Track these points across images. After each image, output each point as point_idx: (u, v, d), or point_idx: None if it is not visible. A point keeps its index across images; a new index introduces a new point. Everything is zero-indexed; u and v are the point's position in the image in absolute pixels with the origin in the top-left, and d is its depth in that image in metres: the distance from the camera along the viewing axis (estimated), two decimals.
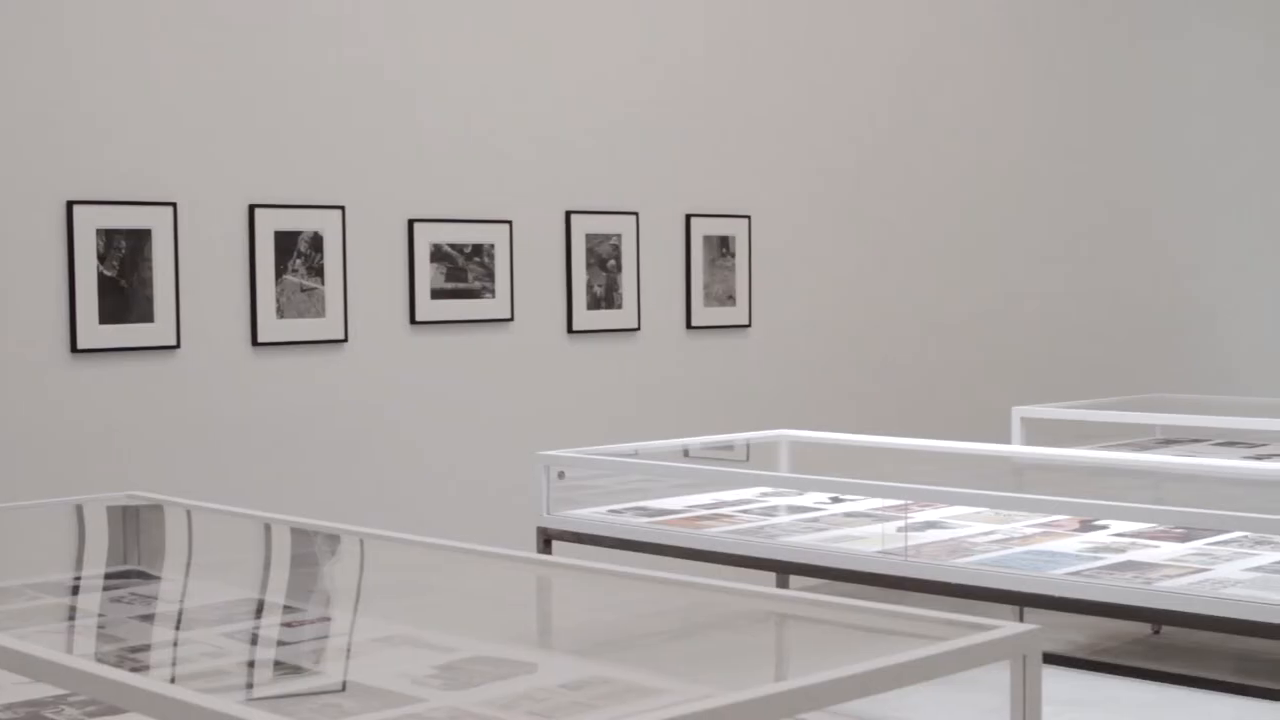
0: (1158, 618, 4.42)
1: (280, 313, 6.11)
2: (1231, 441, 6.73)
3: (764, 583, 4.51)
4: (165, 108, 5.88)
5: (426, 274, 6.49)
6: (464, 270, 6.59)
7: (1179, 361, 9.59)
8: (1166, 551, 4.59)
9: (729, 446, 6.33)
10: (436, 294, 6.51)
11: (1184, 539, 4.72)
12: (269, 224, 6.08)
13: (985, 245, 8.60)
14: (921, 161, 8.29)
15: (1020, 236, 8.78)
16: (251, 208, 6.05)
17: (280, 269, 6.10)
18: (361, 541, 3.93)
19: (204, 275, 5.95)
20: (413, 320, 6.47)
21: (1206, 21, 9.89)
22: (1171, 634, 6.68)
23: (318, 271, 6.19)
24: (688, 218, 7.34)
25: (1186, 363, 9.65)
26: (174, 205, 5.86)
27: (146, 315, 5.81)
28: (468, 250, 6.60)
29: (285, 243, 6.12)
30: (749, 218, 7.55)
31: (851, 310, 8.00)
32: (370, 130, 6.37)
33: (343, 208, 6.26)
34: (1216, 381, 9.64)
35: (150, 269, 5.81)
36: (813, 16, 7.83)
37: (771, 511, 5.42)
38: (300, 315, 6.16)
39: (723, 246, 7.46)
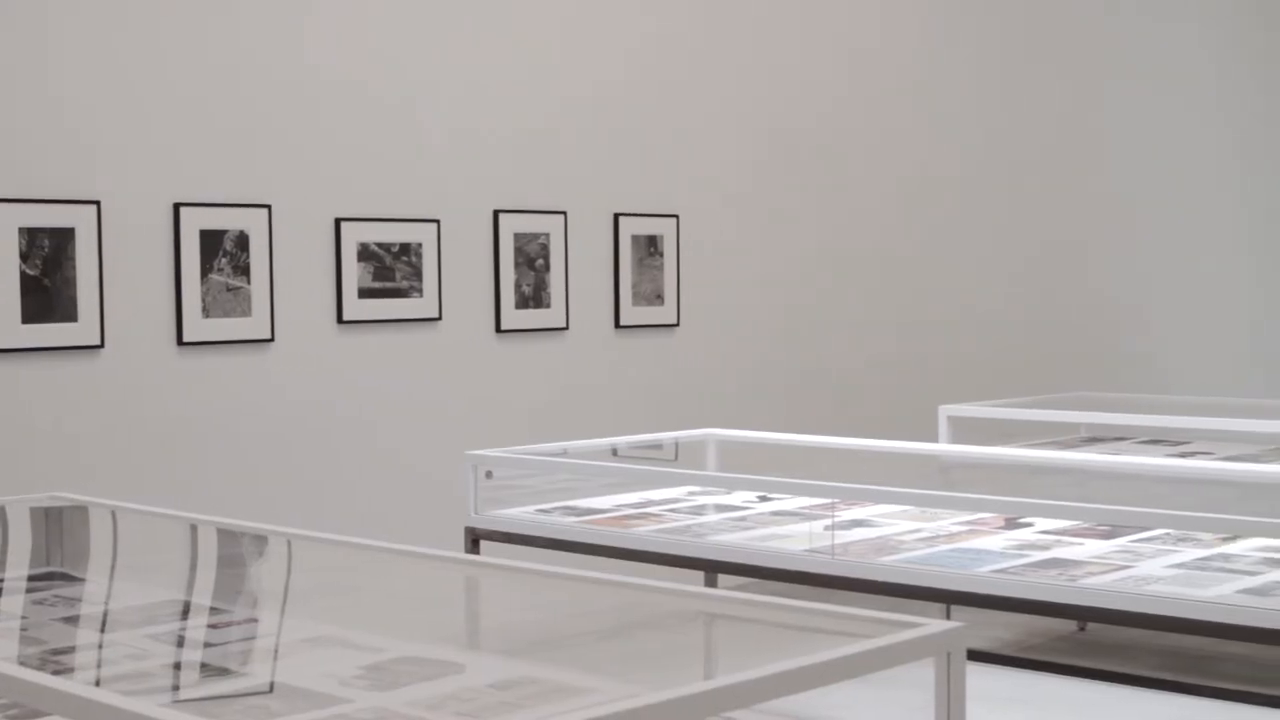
0: (1082, 615, 4.46)
1: (206, 312, 6.07)
2: (1155, 439, 6.79)
3: (692, 582, 4.53)
4: (89, 105, 5.83)
5: (354, 273, 6.46)
6: (391, 269, 6.57)
7: (1103, 360, 9.67)
8: (1091, 549, 4.63)
9: (657, 446, 6.33)
10: (364, 293, 6.49)
11: (1108, 536, 4.76)
12: (194, 223, 6.04)
13: (912, 246, 8.65)
14: (849, 162, 8.32)
15: (946, 237, 8.83)
16: (176, 206, 6.00)
17: (206, 268, 6.06)
18: (289, 542, 3.91)
19: (128, 274, 5.91)
20: (340, 320, 6.44)
21: (1134, 26, 9.97)
22: (1097, 631, 6.73)
23: (244, 271, 6.16)
24: (616, 217, 7.34)
25: (1111, 362, 9.72)
26: (98, 204, 5.81)
27: (70, 315, 5.76)
28: (395, 249, 6.58)
29: (211, 241, 6.08)
30: (677, 217, 7.56)
31: (779, 310, 8.03)
32: (297, 129, 6.34)
33: (269, 206, 6.22)
34: (1140, 380, 9.72)
35: (74, 268, 5.76)
36: (743, 18, 7.85)
37: (699, 511, 5.43)
38: (226, 315, 6.12)
39: (651, 246, 7.46)
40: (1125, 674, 6.03)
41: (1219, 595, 4.04)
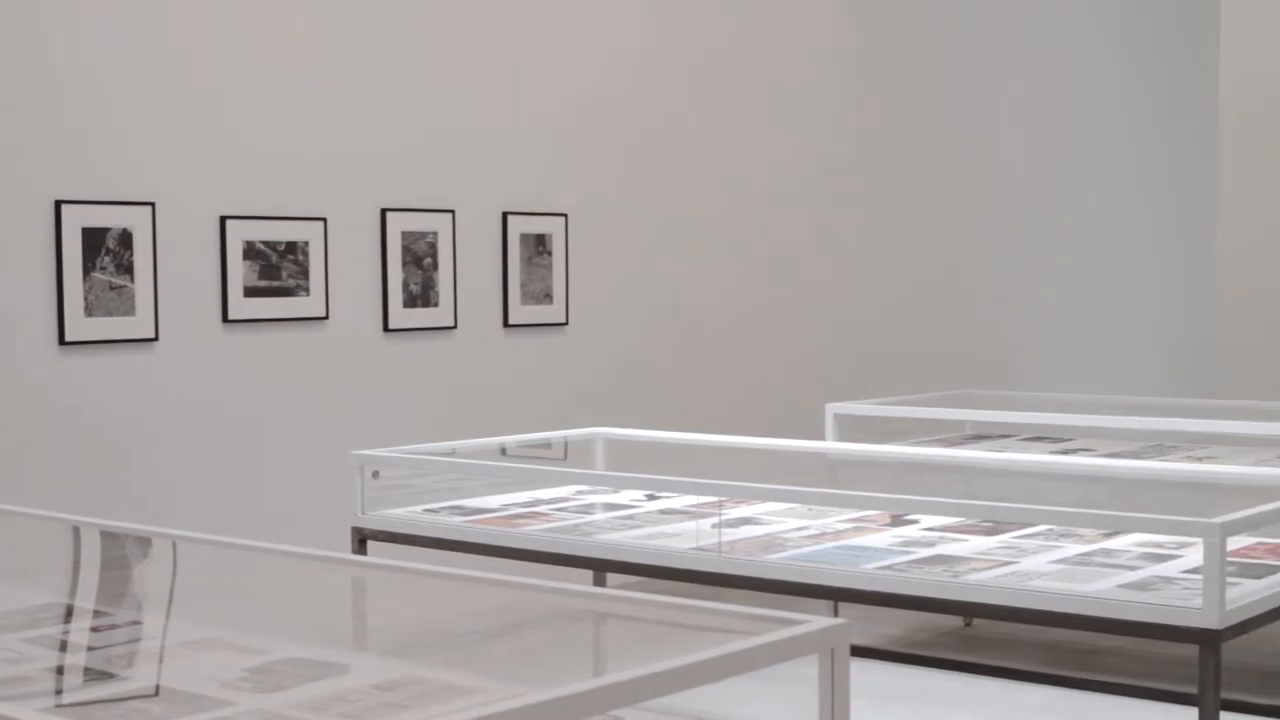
0: (967, 610, 4.50)
1: (88, 311, 6.00)
2: (1039, 437, 6.87)
3: (580, 581, 4.53)
4: None
5: (239, 272, 6.41)
6: (278, 268, 6.52)
7: (988, 359, 9.77)
8: (975, 545, 4.68)
9: (546, 445, 6.33)
10: (249, 292, 6.44)
11: (992, 533, 4.81)
12: (76, 220, 5.96)
13: (800, 245, 8.69)
14: (735, 160, 8.36)
15: (834, 236, 8.88)
16: (58, 204, 5.93)
17: (88, 266, 5.99)
18: (174, 544, 3.88)
19: (9, 273, 5.83)
20: (225, 319, 6.39)
21: (1022, 24, 10.07)
22: (983, 626, 6.80)
23: (127, 269, 6.09)
24: (504, 216, 7.33)
25: (996, 360, 9.82)
26: None
27: None
28: (281, 248, 6.53)
29: (93, 240, 6.01)
30: (566, 216, 7.56)
31: (668, 309, 8.05)
32: (181, 125, 6.28)
33: (153, 204, 6.16)
34: (1024, 378, 9.83)
35: None
36: (628, 16, 7.86)
37: (587, 510, 5.43)
38: (109, 314, 6.05)
39: (539, 245, 7.46)
40: (1010, 668, 6.11)
41: (1099, 590, 4.10)
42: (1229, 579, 3.96)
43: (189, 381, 6.31)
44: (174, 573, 3.86)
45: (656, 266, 7.99)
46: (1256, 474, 5.22)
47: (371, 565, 4.01)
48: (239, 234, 6.40)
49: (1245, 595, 4.02)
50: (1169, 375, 10.87)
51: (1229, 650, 3.92)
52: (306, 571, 3.60)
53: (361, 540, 5.32)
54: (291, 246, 6.56)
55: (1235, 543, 4.37)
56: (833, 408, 6.84)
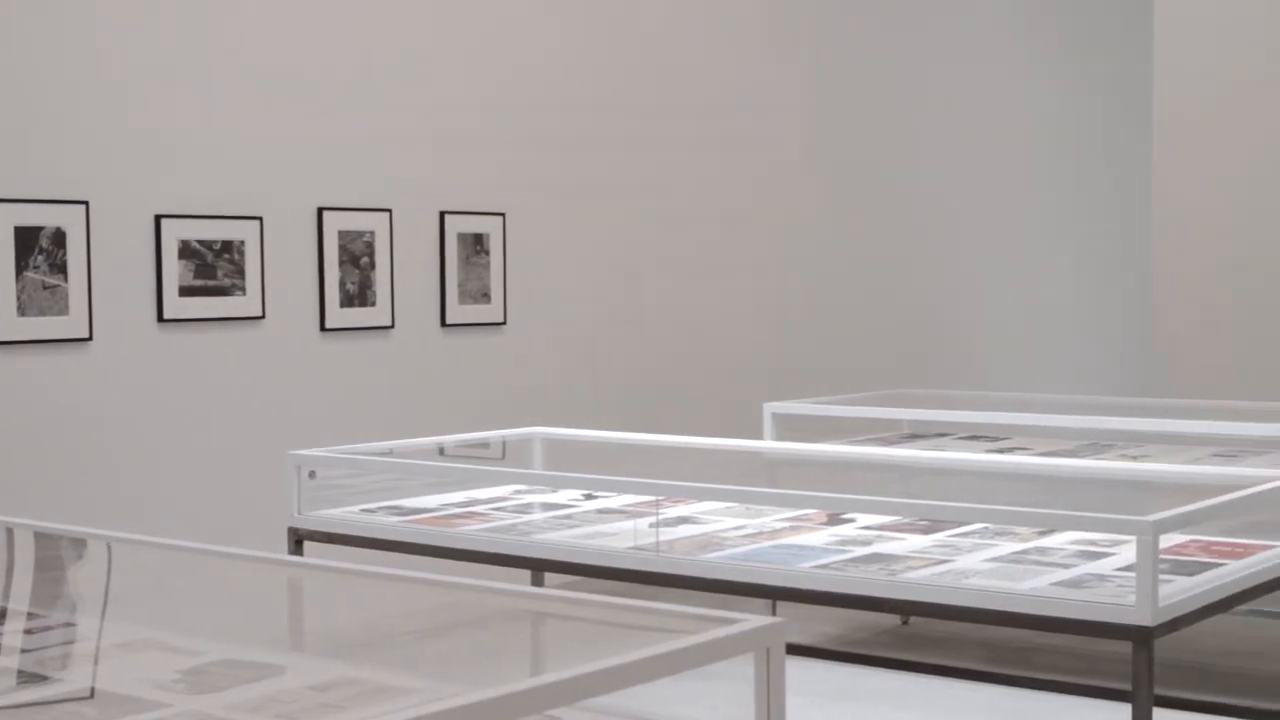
0: (903, 609, 4.52)
1: (21, 310, 5.95)
2: (976, 435, 6.90)
3: (518, 581, 4.52)
4: None
5: (174, 271, 6.37)
6: (213, 267, 6.49)
7: (925, 358, 9.81)
8: (911, 544, 4.70)
9: (484, 444, 6.33)
10: (185, 291, 6.40)
11: (928, 531, 4.83)
12: (9, 219, 5.91)
13: (737, 244, 8.71)
14: (673, 160, 8.37)
15: (772, 235, 8.90)
16: None
17: (21, 266, 5.94)
18: (109, 545, 3.85)
19: None
20: (160, 318, 6.35)
21: (958, 19, 10.12)
22: (920, 624, 6.83)
23: (60, 268, 6.05)
24: (442, 215, 7.31)
25: (933, 359, 9.87)
26: None
27: None
28: (217, 247, 6.50)
29: (26, 239, 5.96)
30: (503, 215, 7.55)
31: (606, 308, 8.05)
32: (115, 123, 6.24)
33: (86, 203, 6.12)
34: (961, 377, 9.88)
35: None
36: (566, 16, 7.85)
37: (525, 509, 5.43)
38: (42, 313, 6.01)
39: (477, 244, 7.45)
40: (947, 666, 6.13)
41: (1034, 588, 4.13)
42: (1162, 576, 3.99)
43: (124, 381, 6.27)
44: (108, 574, 3.84)
45: (595, 266, 7.99)
46: (1190, 472, 5.26)
47: (308, 566, 3.99)
48: (174, 233, 6.37)
49: (1178, 592, 4.05)
50: (1105, 374, 10.94)
51: (1162, 647, 3.95)
52: (242, 572, 3.58)
53: (298, 540, 5.30)
54: (227, 245, 6.53)
55: (1168, 540, 4.40)
56: (770, 407, 6.86)
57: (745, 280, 8.75)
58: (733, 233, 8.69)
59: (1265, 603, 4.72)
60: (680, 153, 8.39)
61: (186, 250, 6.41)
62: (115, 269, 6.22)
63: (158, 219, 6.33)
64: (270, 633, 3.38)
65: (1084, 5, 11.07)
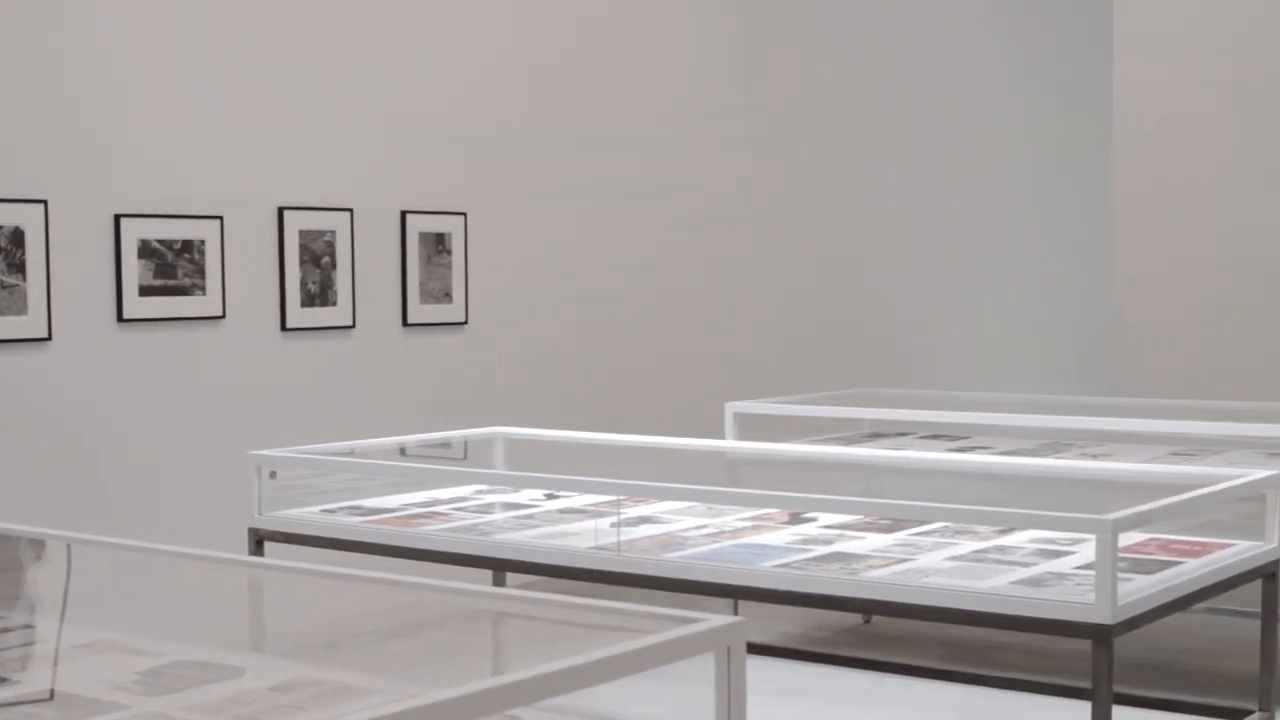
0: (864, 607, 4.53)
1: None
2: (936, 435, 6.92)
3: (480, 581, 4.52)
4: None
5: (134, 271, 6.35)
6: (174, 267, 6.47)
7: (887, 357, 9.83)
8: (872, 543, 4.70)
9: (446, 445, 6.31)
10: (145, 291, 6.38)
11: (889, 530, 4.84)
12: None
13: (699, 243, 8.72)
14: (635, 159, 8.37)
15: (733, 235, 8.91)
16: None
17: None
18: (68, 546, 3.84)
19: None
20: (120, 318, 6.32)
21: (918, 22, 10.15)
22: (882, 623, 6.85)
23: (19, 268, 6.02)
24: (403, 214, 7.30)
25: (894, 358, 9.89)
26: None
27: None
28: (177, 246, 6.48)
29: None
30: (465, 215, 7.54)
31: (568, 308, 8.04)
32: (75, 122, 6.21)
33: (45, 202, 6.09)
34: (922, 377, 9.91)
35: None
36: (526, 16, 7.85)
37: (487, 509, 5.42)
38: (1, 313, 5.97)
39: (439, 243, 7.44)
40: (908, 665, 6.15)
41: (994, 587, 4.14)
42: (1121, 575, 4.01)
43: (83, 382, 6.24)
44: (68, 575, 3.82)
45: (556, 266, 7.99)
46: (1149, 471, 5.29)
47: (268, 566, 3.98)
48: (134, 232, 6.34)
49: (1137, 591, 4.07)
50: (1066, 374, 10.98)
51: (1121, 645, 3.96)
52: (202, 573, 3.57)
53: (259, 541, 5.28)
54: (187, 245, 6.51)
55: (1127, 539, 4.42)
56: (732, 406, 6.86)
57: (707, 280, 8.76)
58: (694, 233, 8.69)
59: (1223, 600, 4.75)
60: (641, 153, 8.39)
61: (146, 250, 6.38)
62: (74, 268, 6.19)
63: (117, 218, 6.31)
64: (230, 634, 3.37)
65: (1048, 11, 11.10)
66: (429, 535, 5.03)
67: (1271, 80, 8.11)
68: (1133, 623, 3.98)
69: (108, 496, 6.29)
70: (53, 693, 2.86)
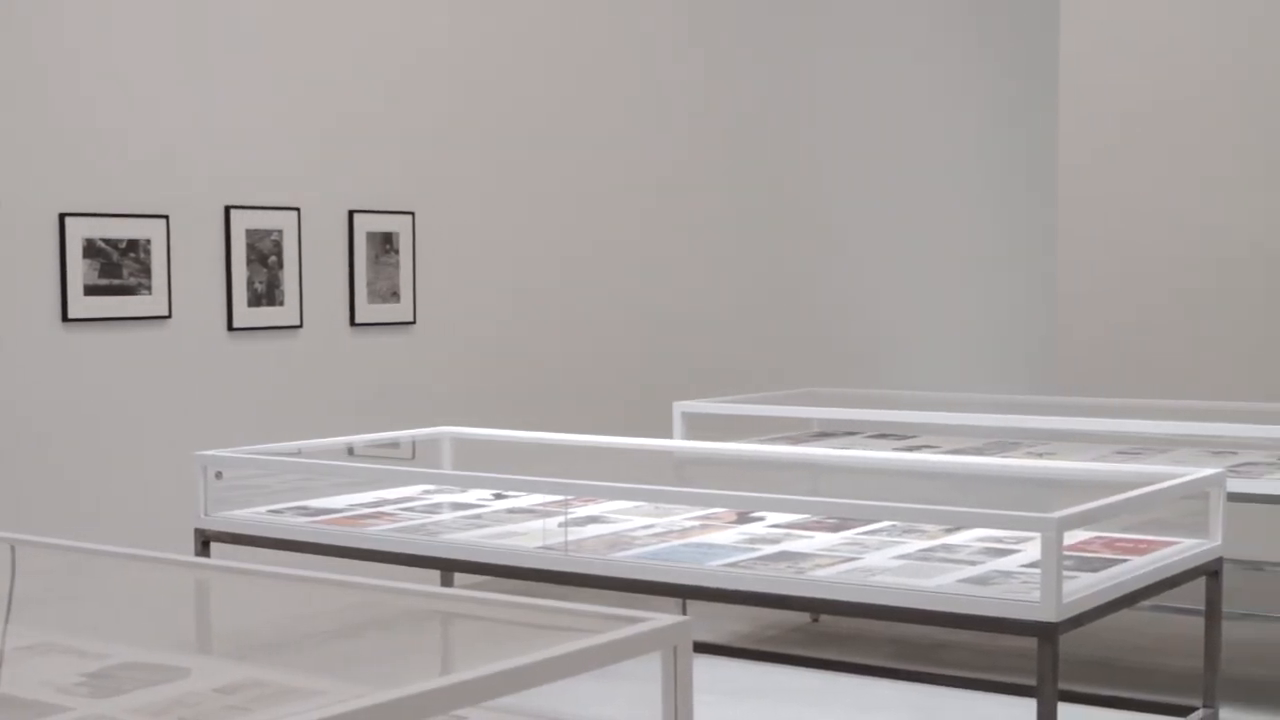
0: (811, 606, 4.54)
1: None
2: (884, 434, 6.94)
3: (428, 581, 4.52)
4: None
5: (79, 270, 6.31)
6: (119, 266, 6.43)
7: (835, 357, 9.86)
8: (820, 542, 4.71)
9: (394, 444, 6.29)
10: (90, 291, 6.34)
11: (836, 529, 4.85)
12: None
13: (648, 244, 8.72)
14: (583, 159, 8.37)
15: (681, 235, 8.92)
16: None
17: None
18: (12, 547, 3.81)
19: None
20: (65, 318, 6.29)
21: (867, 21, 10.17)
22: (830, 622, 6.87)
23: None
24: (351, 214, 7.28)
25: (842, 358, 9.92)
26: None
27: None
28: (123, 246, 6.44)
29: None
30: (413, 214, 7.52)
31: (516, 307, 8.04)
32: (18, 120, 6.17)
33: None
34: (870, 377, 9.94)
35: None
36: (473, 14, 7.84)
37: (434, 509, 5.41)
38: None
39: (386, 243, 7.42)
40: (856, 663, 6.17)
41: (940, 585, 4.15)
42: (1066, 573, 4.03)
43: (28, 382, 6.20)
44: (12, 576, 3.80)
45: (505, 265, 7.98)
46: (1094, 470, 5.31)
47: (214, 567, 3.97)
48: (78, 231, 6.30)
49: (1082, 588, 4.09)
50: (1011, 373, 11.03)
51: (1067, 642, 3.99)
52: (148, 574, 3.56)
53: (205, 542, 5.26)
54: (133, 244, 6.47)
55: (1072, 537, 4.44)
56: (680, 406, 6.87)
57: (655, 280, 8.77)
58: (643, 233, 8.70)
59: (1168, 598, 4.78)
60: (590, 153, 8.39)
61: (91, 249, 6.34)
62: (18, 267, 6.15)
63: (62, 217, 6.27)
64: (176, 635, 3.36)
65: (996, 11, 11.15)
66: (376, 535, 5.01)
67: (1216, 88, 8.17)
68: (1077, 620, 4.00)
69: (52, 497, 6.25)
70: None
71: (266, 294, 6.93)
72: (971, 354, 11.04)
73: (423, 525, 5.13)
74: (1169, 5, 8.38)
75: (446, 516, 5.30)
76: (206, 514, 5.27)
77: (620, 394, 8.45)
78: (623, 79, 8.57)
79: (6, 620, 3.46)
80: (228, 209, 6.80)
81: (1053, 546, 3.89)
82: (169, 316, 6.61)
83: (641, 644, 2.50)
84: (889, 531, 4.82)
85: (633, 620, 2.56)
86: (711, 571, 4.40)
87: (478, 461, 6.35)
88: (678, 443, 6.62)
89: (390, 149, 7.45)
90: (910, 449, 6.44)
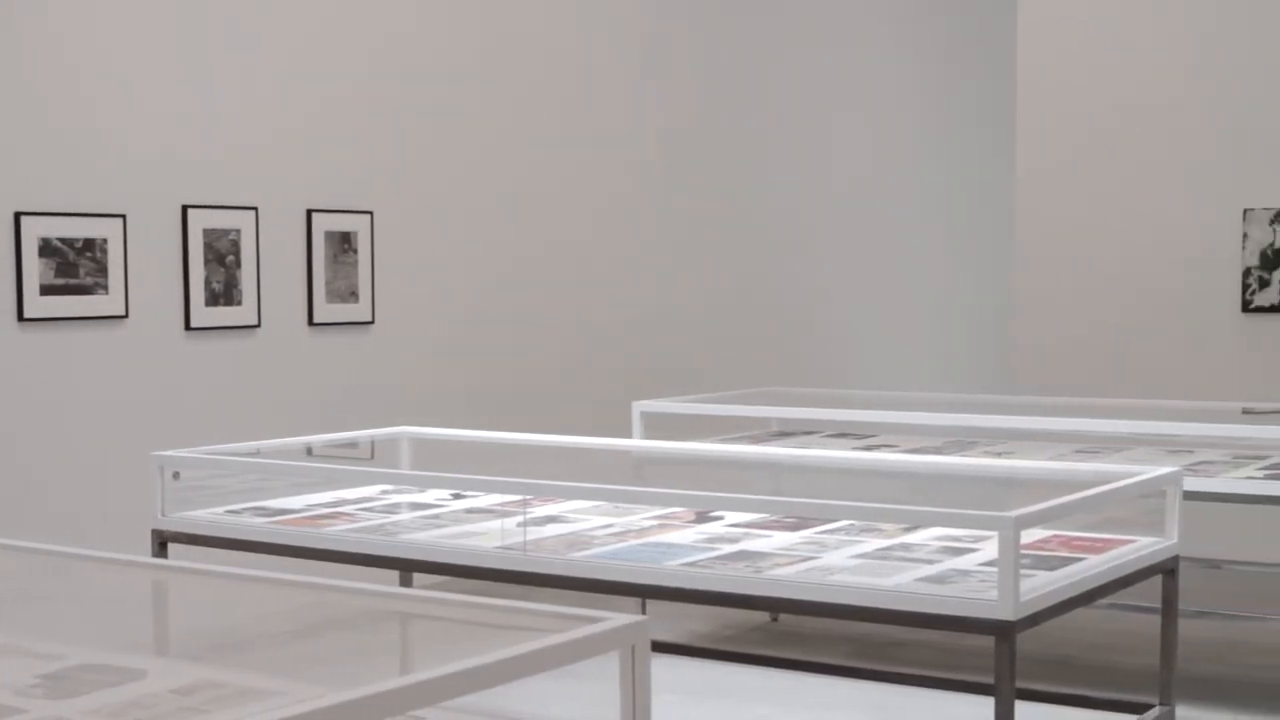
0: (769, 605, 4.55)
1: None
2: (843, 433, 6.95)
3: (386, 581, 4.50)
4: None
5: (35, 269, 6.28)
6: (75, 266, 6.40)
7: (793, 356, 9.87)
8: (779, 541, 4.72)
9: (352, 444, 6.28)
10: (46, 290, 6.31)
11: (795, 528, 4.86)
12: None
13: (604, 243, 8.72)
14: (541, 159, 8.36)
15: (638, 234, 8.93)
16: None
17: None
18: None
19: None
20: (20, 318, 6.25)
21: (825, 21, 10.19)
22: (789, 621, 6.88)
23: None
24: (309, 213, 7.26)
25: (800, 357, 9.93)
26: None
27: None
28: (79, 245, 6.41)
29: None
30: (371, 214, 7.51)
31: (474, 307, 8.03)
32: None
33: None
34: (829, 376, 9.96)
35: None
36: (430, 15, 7.82)
37: (393, 509, 5.40)
38: None
39: (345, 242, 7.40)
40: (815, 662, 6.18)
41: (898, 584, 4.17)
42: (1023, 571, 4.04)
43: None
44: None
45: (464, 265, 7.97)
46: (1051, 469, 5.33)
47: (171, 568, 3.95)
48: (34, 230, 6.27)
49: (1039, 587, 4.11)
50: (969, 373, 11.07)
51: (1024, 641, 4.00)
52: (105, 575, 3.54)
53: (162, 543, 5.24)
54: (90, 244, 6.44)
55: (1030, 536, 4.46)
56: (639, 405, 6.87)
57: (613, 279, 8.77)
58: (599, 232, 8.70)
59: (1125, 596, 4.80)
60: (546, 152, 8.39)
61: (47, 248, 6.31)
62: None
63: (17, 216, 6.24)
64: (132, 636, 3.34)
65: (954, 11, 11.19)
66: (335, 536, 5.01)
67: (1172, 101, 8.22)
68: (1035, 619, 4.01)
69: (7, 498, 6.22)
70: None
71: (224, 293, 6.91)
72: (929, 354, 11.07)
73: (381, 525, 5.12)
74: (1126, 10, 8.42)
75: (405, 516, 5.29)
76: (164, 514, 5.25)
77: (579, 394, 8.44)
78: (580, 80, 8.57)
79: None
80: (185, 208, 6.78)
81: (1010, 545, 3.91)
82: (126, 316, 6.58)
83: (599, 644, 2.50)
84: (847, 531, 4.84)
85: (591, 620, 2.56)
86: (670, 571, 4.41)
87: (436, 461, 6.34)
88: (637, 442, 6.63)
89: (348, 148, 7.43)
90: (869, 448, 6.45)
